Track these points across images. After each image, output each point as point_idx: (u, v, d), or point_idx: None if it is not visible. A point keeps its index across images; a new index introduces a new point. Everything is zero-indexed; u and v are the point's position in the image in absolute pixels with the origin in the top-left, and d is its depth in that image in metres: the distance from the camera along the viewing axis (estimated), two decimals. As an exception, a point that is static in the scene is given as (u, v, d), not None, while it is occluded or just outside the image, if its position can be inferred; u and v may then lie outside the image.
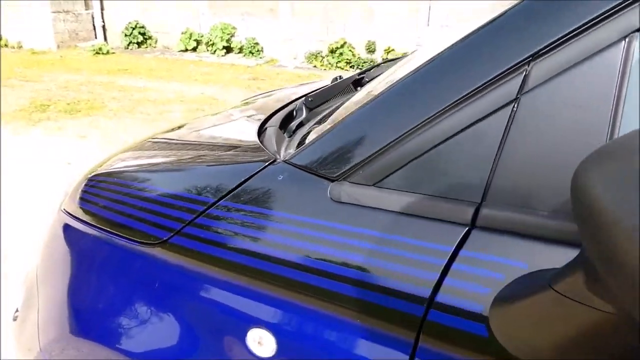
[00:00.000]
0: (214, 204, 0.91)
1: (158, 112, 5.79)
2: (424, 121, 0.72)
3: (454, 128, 0.69)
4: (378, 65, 1.51)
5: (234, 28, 9.28)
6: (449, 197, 0.69)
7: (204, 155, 1.13)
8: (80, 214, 1.21)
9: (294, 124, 1.11)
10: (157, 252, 0.98)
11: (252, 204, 0.87)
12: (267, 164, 0.90)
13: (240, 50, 9.25)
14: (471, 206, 0.67)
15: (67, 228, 1.26)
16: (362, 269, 0.73)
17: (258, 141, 1.04)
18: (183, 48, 9.47)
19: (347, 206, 0.77)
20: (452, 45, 0.74)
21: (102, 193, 1.20)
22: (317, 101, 1.19)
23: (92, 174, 1.34)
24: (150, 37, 9.91)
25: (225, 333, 0.87)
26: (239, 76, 7.89)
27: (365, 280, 0.73)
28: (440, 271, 0.68)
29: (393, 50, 8.23)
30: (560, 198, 0.63)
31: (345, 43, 8.55)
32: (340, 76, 1.46)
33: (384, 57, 8.27)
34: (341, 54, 8.54)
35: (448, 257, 0.67)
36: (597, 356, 0.54)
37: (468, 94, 0.69)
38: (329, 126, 0.88)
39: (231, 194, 0.90)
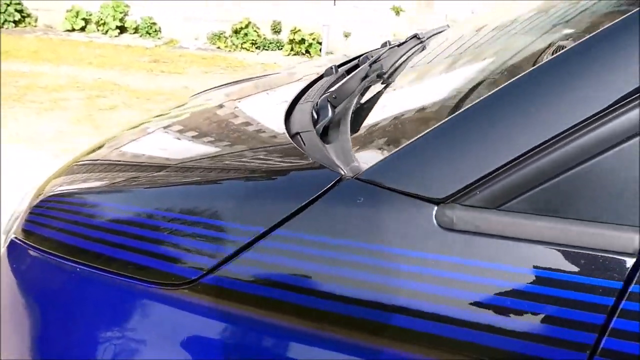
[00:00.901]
0: (266, 233, 0.73)
1: (52, 100, 5.19)
2: (576, 126, 0.59)
3: (617, 135, 0.58)
4: (384, 50, 1.36)
5: (127, 6, 8.59)
6: (607, 222, 0.58)
7: (219, 170, 0.93)
8: (48, 245, 0.96)
9: (320, 126, 0.94)
10: (185, 295, 0.77)
11: (324, 233, 0.70)
12: (334, 180, 0.73)
13: (136, 30, 8.59)
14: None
15: (28, 262, 1.00)
16: (500, 313, 0.60)
17: (301, 149, 0.85)
18: (69, 27, 8.60)
19: (464, 235, 0.63)
20: (613, 26, 0.61)
21: (77, 219, 0.95)
22: (341, 98, 1.03)
23: (49, 194, 1.07)
24: (29, 15, 8.88)
25: None
26: (138, 59, 7.32)
27: (505, 327, 0.60)
28: (607, 312, 0.56)
29: (299, 30, 8.07)
30: None
31: (249, 23, 8.25)
32: (334, 66, 1.29)
33: (291, 37, 8.09)
34: (246, 34, 8.24)
35: (616, 295, 0.56)
36: None
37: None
38: (415, 131, 0.73)
39: (291, 221, 0.72)
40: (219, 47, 8.25)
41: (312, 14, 8.02)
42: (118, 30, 8.50)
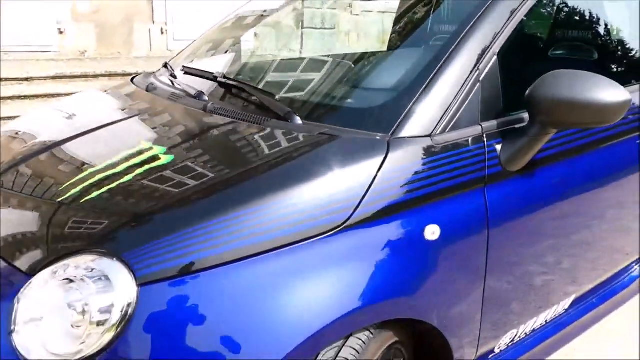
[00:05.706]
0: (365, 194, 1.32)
1: None
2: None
3: None
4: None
5: None
6: None
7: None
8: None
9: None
10: (344, 235, 1.29)
11: (408, 183, 1.38)
12: (384, 145, 1.38)
13: None
14: None
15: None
16: None
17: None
18: None
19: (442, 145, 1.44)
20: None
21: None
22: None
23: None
24: None
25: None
26: None
27: None
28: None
29: None
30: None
31: None
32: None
33: None
34: None
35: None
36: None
37: None
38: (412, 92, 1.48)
39: (378, 180, 1.34)
40: None
41: None
42: None
